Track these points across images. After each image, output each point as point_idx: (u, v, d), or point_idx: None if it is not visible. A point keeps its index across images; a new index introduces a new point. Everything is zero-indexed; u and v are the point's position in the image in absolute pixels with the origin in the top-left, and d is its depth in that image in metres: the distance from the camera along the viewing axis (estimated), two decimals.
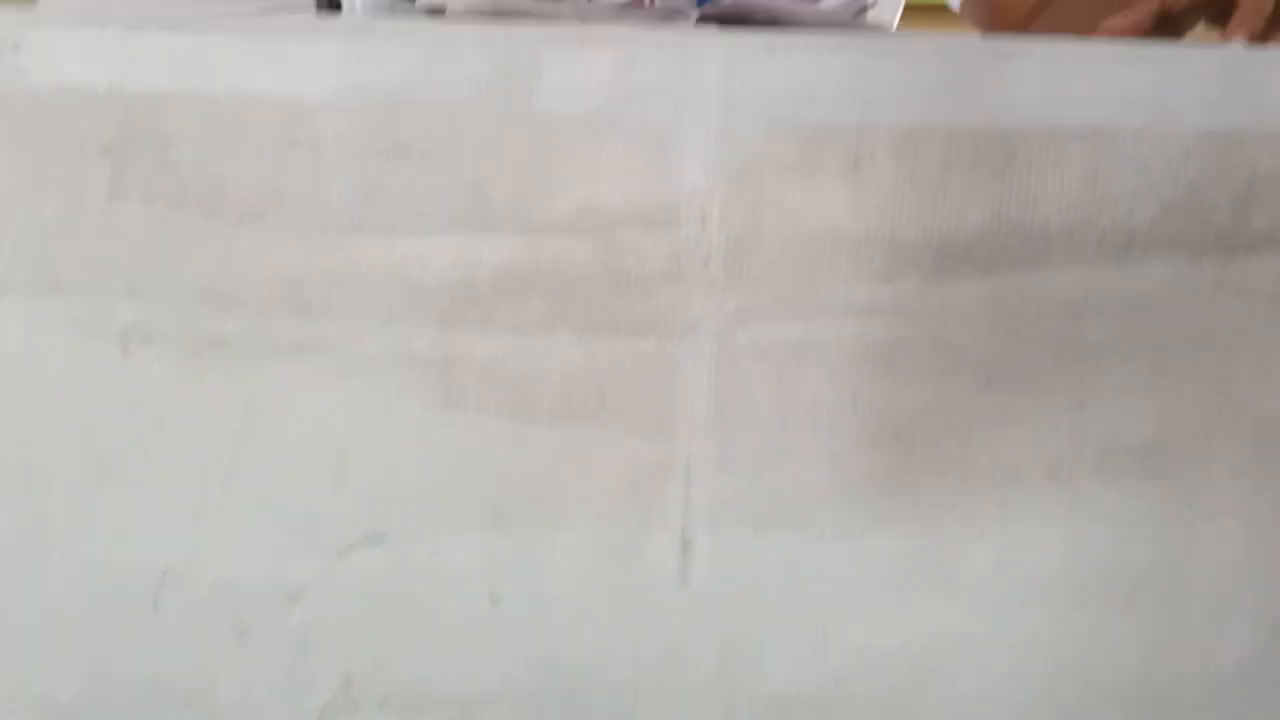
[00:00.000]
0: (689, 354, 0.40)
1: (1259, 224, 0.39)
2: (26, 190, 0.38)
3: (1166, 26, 0.57)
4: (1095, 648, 0.43)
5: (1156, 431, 0.42)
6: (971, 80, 0.37)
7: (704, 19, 0.51)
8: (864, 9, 0.53)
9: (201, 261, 0.39)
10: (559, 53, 0.37)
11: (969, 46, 0.38)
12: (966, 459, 0.42)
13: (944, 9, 0.93)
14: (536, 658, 0.42)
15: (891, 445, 0.41)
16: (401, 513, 0.41)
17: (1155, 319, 0.41)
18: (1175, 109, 0.38)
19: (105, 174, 0.38)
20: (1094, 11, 0.76)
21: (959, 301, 0.40)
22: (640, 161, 0.38)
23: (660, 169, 0.38)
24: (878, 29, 0.50)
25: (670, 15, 0.51)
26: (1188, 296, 0.40)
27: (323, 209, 0.38)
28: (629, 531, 0.41)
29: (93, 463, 0.41)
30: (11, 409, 0.41)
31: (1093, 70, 0.37)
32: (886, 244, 0.39)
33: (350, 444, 0.41)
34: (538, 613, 0.42)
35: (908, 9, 0.96)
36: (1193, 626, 0.43)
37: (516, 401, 0.41)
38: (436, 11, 0.51)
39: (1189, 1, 0.56)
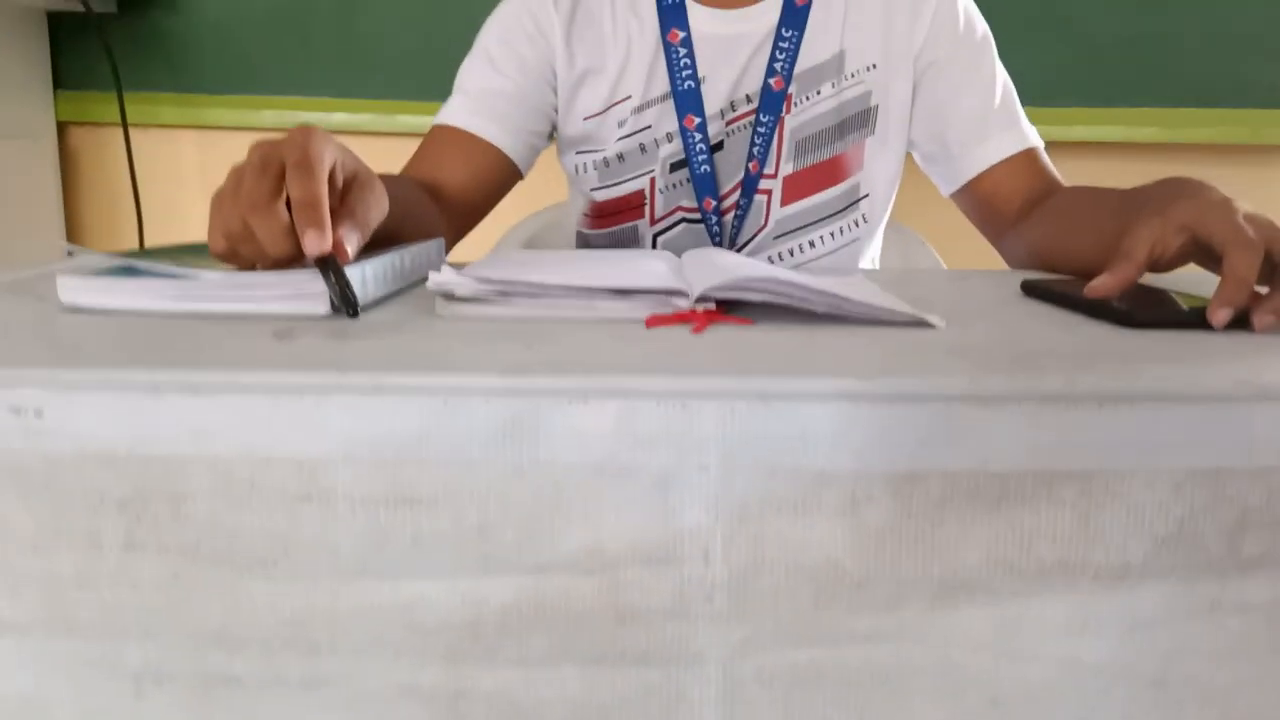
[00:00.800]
0: (695, 682, 0.41)
1: (1252, 551, 0.40)
2: (45, 542, 0.39)
3: (1151, 269, 0.58)
4: None
5: None
6: (961, 428, 0.38)
7: (702, 299, 0.52)
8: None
9: (212, 606, 0.39)
10: (563, 406, 0.38)
11: (957, 392, 0.39)
12: None
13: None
14: None
15: None
16: None
17: (1154, 638, 0.41)
18: (1163, 449, 0.39)
19: (121, 527, 0.39)
20: (1078, 221, 0.78)
21: (961, 627, 0.40)
22: (643, 505, 0.39)
23: (662, 511, 0.39)
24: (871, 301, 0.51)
25: (668, 297, 0.53)
26: (1185, 617, 0.41)
27: (331, 556, 0.39)
28: None
29: None
30: None
31: (1080, 418, 0.38)
32: (888, 576, 0.40)
33: None
34: None
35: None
36: None
37: None
38: (447, 296, 0.53)
39: (1175, 254, 0.58)
